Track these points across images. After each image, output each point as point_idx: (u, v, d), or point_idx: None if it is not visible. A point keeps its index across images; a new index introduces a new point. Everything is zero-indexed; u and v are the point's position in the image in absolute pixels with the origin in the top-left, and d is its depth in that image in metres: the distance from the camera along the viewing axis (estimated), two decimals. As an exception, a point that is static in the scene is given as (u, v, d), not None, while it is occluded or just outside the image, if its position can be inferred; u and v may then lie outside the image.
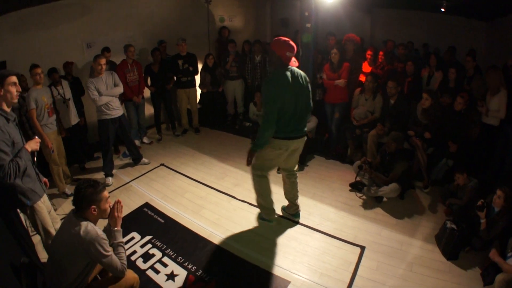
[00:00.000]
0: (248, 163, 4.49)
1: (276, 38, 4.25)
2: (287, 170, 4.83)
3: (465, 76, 6.50)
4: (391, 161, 5.47)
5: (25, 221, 3.94)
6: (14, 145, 3.30)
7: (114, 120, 6.04)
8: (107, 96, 5.85)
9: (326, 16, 8.59)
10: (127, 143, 6.60)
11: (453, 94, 5.91)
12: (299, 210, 5.03)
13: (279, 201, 5.10)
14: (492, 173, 5.83)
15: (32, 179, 3.60)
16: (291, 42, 4.10)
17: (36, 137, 3.65)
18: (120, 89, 6.06)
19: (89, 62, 7.01)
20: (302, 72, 4.32)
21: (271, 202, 4.86)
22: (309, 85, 4.40)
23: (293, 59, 4.24)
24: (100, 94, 5.78)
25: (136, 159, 6.78)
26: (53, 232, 3.85)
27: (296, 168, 4.86)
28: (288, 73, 4.12)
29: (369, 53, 7.36)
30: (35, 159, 3.69)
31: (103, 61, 5.76)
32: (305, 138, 4.53)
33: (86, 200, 2.85)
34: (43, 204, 3.77)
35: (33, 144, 3.52)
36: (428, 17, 9.66)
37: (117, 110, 6.05)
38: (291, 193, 4.93)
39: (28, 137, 3.86)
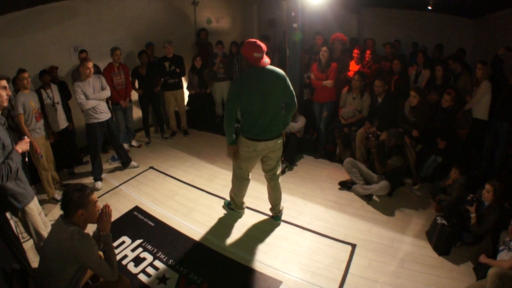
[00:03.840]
0: (228, 155, 4.62)
1: (245, 41, 4.16)
2: (266, 172, 4.76)
3: (452, 74, 6.57)
4: (388, 154, 5.49)
5: (16, 228, 3.92)
6: (4, 148, 3.34)
7: (101, 123, 5.98)
8: (94, 100, 5.80)
9: (313, 16, 8.62)
10: (116, 146, 6.55)
11: (441, 91, 5.96)
12: (279, 214, 5.00)
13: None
14: (481, 169, 5.90)
15: (23, 181, 3.64)
16: (258, 42, 4.00)
17: (26, 137, 3.65)
18: (107, 93, 6.00)
19: (75, 65, 6.93)
20: (278, 71, 4.17)
21: (242, 201, 5.07)
22: (287, 83, 4.23)
23: (265, 58, 4.06)
24: (87, 98, 5.72)
25: (125, 163, 6.72)
26: (45, 234, 3.86)
27: (278, 172, 4.76)
28: (256, 74, 4.07)
29: (356, 52, 7.39)
30: (26, 159, 3.70)
31: (90, 64, 5.70)
32: (278, 141, 4.44)
33: (74, 204, 2.81)
34: (34, 206, 3.77)
35: (23, 145, 3.55)
36: (416, 16, 9.72)
37: (104, 113, 6.00)
38: (272, 196, 4.89)
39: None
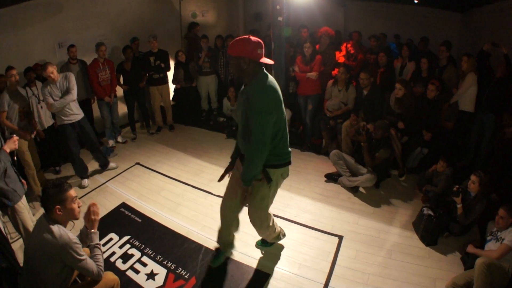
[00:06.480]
0: (243, 198, 3.49)
1: (232, 43, 3.12)
2: None
3: (437, 66, 6.60)
4: (376, 146, 5.52)
5: (4, 228, 3.90)
6: None
7: (73, 125, 5.73)
8: (61, 104, 5.50)
9: (298, 9, 8.59)
10: (92, 149, 6.30)
11: (426, 83, 6.00)
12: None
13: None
14: (467, 160, 5.96)
15: (12, 179, 3.65)
16: (254, 38, 3.05)
17: (14, 135, 3.65)
18: (71, 97, 5.55)
19: (60, 62, 6.91)
20: None
21: (277, 226, 4.15)
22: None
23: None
24: (54, 100, 5.44)
25: (103, 165, 6.51)
26: None
27: None
28: (271, 78, 3.14)
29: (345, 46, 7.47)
30: (15, 158, 3.69)
31: (50, 69, 5.33)
32: None
33: (51, 200, 2.77)
34: (23, 205, 3.76)
35: (12, 144, 3.60)
36: (402, 9, 9.74)
37: (75, 114, 5.74)
38: None
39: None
